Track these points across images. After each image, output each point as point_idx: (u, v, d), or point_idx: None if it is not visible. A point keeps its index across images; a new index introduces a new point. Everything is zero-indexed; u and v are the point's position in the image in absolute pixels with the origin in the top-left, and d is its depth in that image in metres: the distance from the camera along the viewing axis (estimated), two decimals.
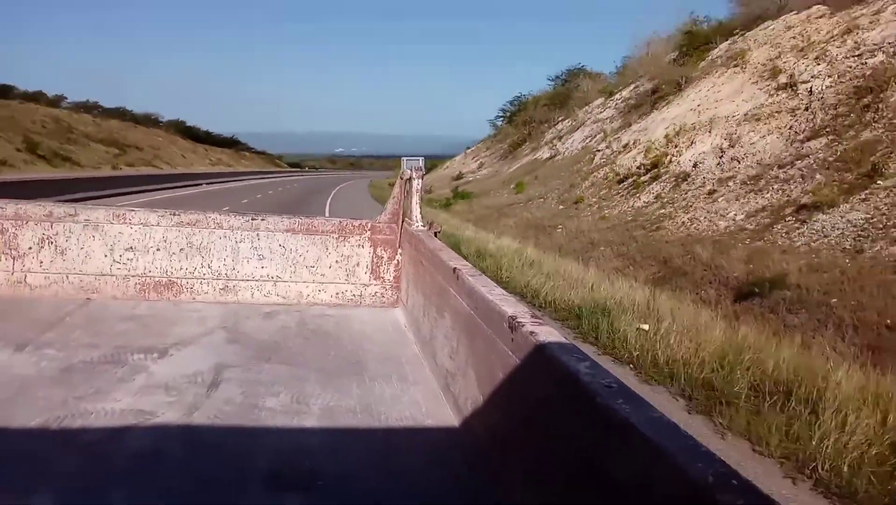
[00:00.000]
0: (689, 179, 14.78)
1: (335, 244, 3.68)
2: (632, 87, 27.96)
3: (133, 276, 3.54)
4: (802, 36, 16.97)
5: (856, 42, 14.20)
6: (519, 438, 1.75)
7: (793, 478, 3.44)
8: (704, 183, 14.01)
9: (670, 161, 16.44)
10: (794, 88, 14.52)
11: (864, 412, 3.79)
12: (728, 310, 8.16)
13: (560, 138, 32.05)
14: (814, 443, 3.56)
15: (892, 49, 12.81)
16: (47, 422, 2.04)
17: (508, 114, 51.27)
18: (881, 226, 8.88)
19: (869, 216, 9.19)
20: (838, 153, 11.40)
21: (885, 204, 9.25)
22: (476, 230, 16.53)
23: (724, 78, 18.65)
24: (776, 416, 3.96)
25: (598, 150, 23.52)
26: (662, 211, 14.05)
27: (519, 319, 1.78)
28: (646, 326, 5.90)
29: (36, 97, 67.75)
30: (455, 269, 2.48)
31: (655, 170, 16.91)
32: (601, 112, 29.32)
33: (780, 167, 12.34)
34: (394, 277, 3.73)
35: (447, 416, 2.28)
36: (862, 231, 8.98)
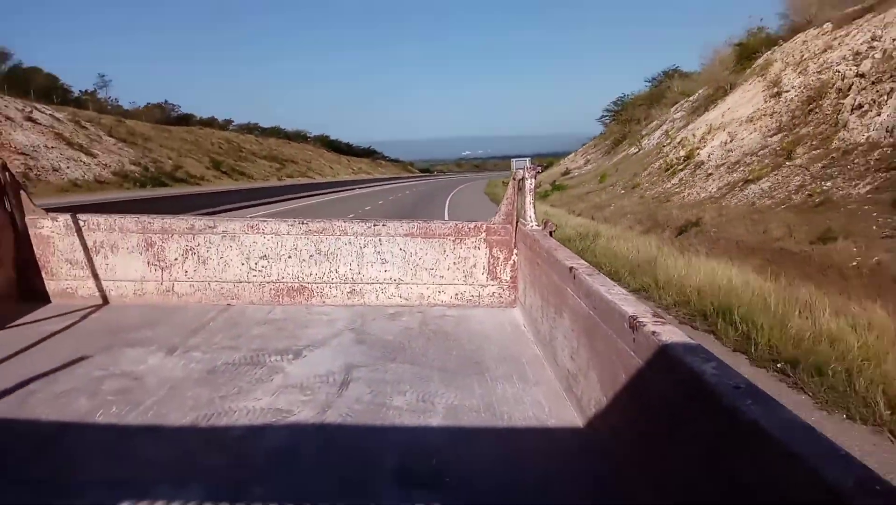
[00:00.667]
0: (703, 167, 20.43)
1: (452, 246, 3.81)
2: (702, 90, 32.95)
3: (268, 282, 3.80)
4: (805, 51, 21.89)
5: (824, 59, 19.25)
6: (643, 439, 1.75)
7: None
8: (708, 169, 19.68)
9: (697, 154, 22.04)
10: (779, 96, 19.78)
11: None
12: (668, 240, 14.25)
13: (646, 136, 37.39)
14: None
15: (836, 66, 17.90)
16: (196, 420, 2.23)
17: (612, 113, 56.57)
18: (774, 189, 14.54)
19: (771, 184, 14.85)
20: (783, 144, 16.86)
21: (783, 176, 14.85)
22: (555, 211, 23.13)
23: (750, 86, 23.80)
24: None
25: (664, 146, 29.01)
26: (678, 190, 19.88)
27: (640, 319, 1.77)
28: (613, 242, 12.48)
29: (210, 122, 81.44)
30: (571, 268, 2.46)
31: (688, 160, 22.51)
32: (676, 113, 34.47)
33: (751, 155, 17.88)
34: (510, 278, 3.82)
35: (571, 416, 2.29)
36: (763, 193, 14.67)
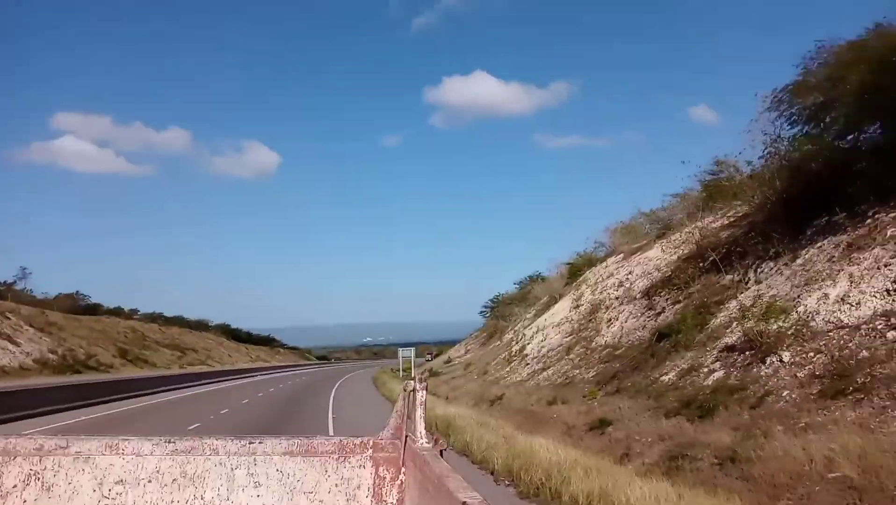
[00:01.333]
0: (526, 358, 27.04)
1: (335, 466, 3.45)
2: (545, 297, 41.05)
3: None
4: (602, 274, 29.98)
5: (606, 283, 27.08)
6: None
7: None
8: (527, 360, 26.27)
9: (525, 348, 28.80)
10: (578, 308, 27.22)
11: None
12: (485, 410, 20.02)
13: (508, 331, 44.66)
14: None
15: (608, 290, 25.57)
16: None
17: (489, 308, 64.83)
18: (553, 375, 20.94)
19: (552, 371, 21.29)
20: (569, 344, 23.72)
21: (560, 366, 21.37)
22: None
23: (567, 298, 31.51)
24: None
25: (513, 341, 35.96)
26: (507, 375, 26.17)
27: None
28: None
29: (117, 312, 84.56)
30: (464, 502, 2.15)
31: (521, 353, 29.16)
32: (528, 313, 42.20)
33: (551, 351, 24.62)
34: (397, 501, 3.45)
35: None
36: (546, 378, 21.02)
